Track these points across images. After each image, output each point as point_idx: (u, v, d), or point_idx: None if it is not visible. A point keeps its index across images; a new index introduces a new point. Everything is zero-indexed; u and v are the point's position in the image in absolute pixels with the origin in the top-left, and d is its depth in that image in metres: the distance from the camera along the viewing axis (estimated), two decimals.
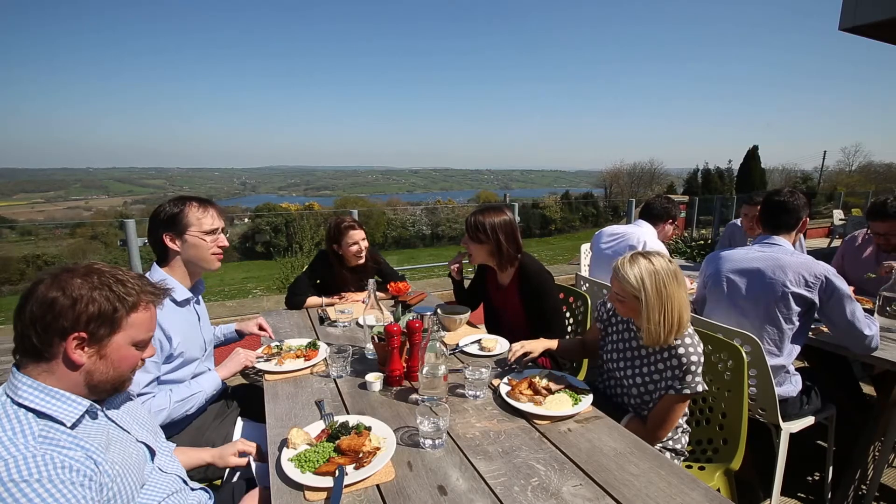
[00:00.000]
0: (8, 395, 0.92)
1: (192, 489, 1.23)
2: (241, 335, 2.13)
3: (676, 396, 1.51)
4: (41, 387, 0.93)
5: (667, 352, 1.53)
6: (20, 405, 0.91)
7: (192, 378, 1.67)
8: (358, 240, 2.55)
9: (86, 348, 0.96)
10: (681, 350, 1.50)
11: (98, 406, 1.03)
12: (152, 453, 1.13)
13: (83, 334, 0.94)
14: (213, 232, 1.67)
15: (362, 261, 2.61)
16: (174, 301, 1.62)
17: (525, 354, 1.76)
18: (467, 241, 2.17)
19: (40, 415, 0.91)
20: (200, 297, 1.80)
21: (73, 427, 0.94)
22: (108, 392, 1.04)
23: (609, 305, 1.79)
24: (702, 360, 1.50)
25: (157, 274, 1.63)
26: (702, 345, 1.54)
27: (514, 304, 2.23)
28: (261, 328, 2.14)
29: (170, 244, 1.61)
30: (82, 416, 0.97)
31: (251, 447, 1.44)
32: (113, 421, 1.08)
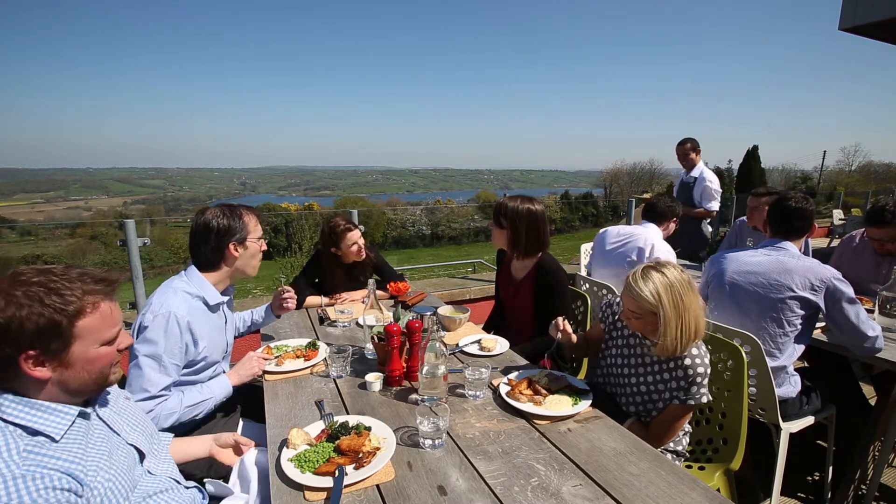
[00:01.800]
0: None
1: (186, 487, 1.23)
2: (271, 312, 2.14)
3: (681, 407, 1.50)
4: (24, 400, 0.91)
5: (673, 362, 1.51)
6: (7, 421, 0.89)
7: (210, 380, 1.68)
8: (356, 240, 2.58)
9: (46, 364, 0.92)
10: (687, 361, 1.48)
11: (88, 408, 1.02)
12: (141, 456, 1.12)
13: (32, 352, 0.90)
14: (261, 237, 1.76)
15: (363, 257, 2.64)
16: (206, 305, 1.65)
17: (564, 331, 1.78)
18: (491, 224, 2.24)
19: (27, 429, 0.90)
20: (231, 301, 1.82)
21: (58, 441, 0.92)
22: (92, 391, 1.01)
23: (615, 308, 1.77)
24: (708, 370, 1.48)
25: (195, 277, 1.65)
26: (709, 355, 1.52)
27: (524, 300, 2.23)
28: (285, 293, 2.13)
29: (233, 252, 1.67)
30: (72, 424, 0.95)
31: (248, 444, 1.42)
32: (104, 422, 1.07)
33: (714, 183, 4.06)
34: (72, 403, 0.99)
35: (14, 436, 0.88)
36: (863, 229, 2.75)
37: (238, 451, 1.42)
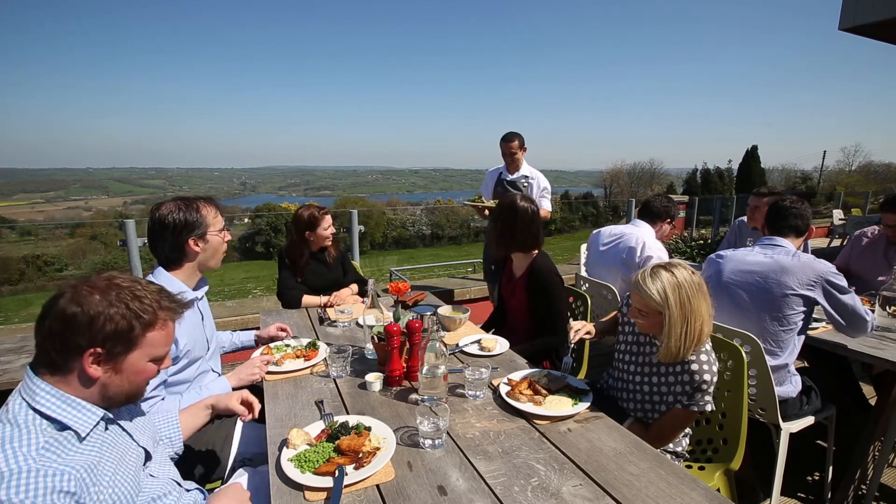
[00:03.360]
0: (25, 400, 0.92)
1: (188, 490, 1.23)
2: (258, 342, 2.10)
3: (683, 411, 1.49)
4: (59, 394, 0.94)
5: (680, 366, 1.50)
6: (37, 411, 0.91)
7: (197, 377, 1.67)
8: (330, 224, 2.74)
9: (101, 364, 0.96)
10: (694, 367, 1.46)
11: (111, 414, 1.03)
12: (147, 458, 1.13)
13: (99, 350, 0.95)
14: (223, 228, 1.71)
15: (328, 243, 2.78)
16: None
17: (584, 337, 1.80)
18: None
19: (54, 422, 0.92)
20: (205, 296, 1.80)
21: (82, 439, 0.95)
22: (121, 403, 1.04)
23: (629, 300, 1.76)
24: (715, 379, 1.46)
25: (162, 277, 1.61)
26: (717, 364, 1.50)
27: (519, 298, 2.24)
28: (281, 329, 2.11)
29: (194, 247, 1.61)
30: (95, 425, 0.97)
31: (254, 401, 1.43)
32: (119, 424, 1.08)
33: (547, 182, 3.74)
34: (101, 405, 1.01)
35: (39, 430, 0.90)
36: (873, 227, 2.81)
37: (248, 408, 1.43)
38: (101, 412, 0.99)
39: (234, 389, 1.67)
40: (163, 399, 1.49)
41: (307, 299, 2.61)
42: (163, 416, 1.36)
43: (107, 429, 1.03)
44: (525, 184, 3.66)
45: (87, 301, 0.93)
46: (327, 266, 2.82)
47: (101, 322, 0.93)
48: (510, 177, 3.67)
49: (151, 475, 1.13)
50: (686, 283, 1.44)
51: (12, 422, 0.89)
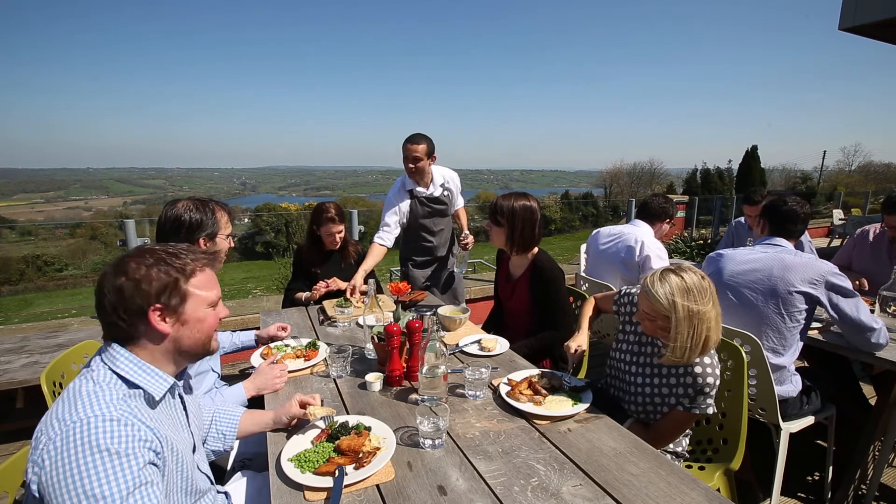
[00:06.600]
0: (105, 363, 1.00)
1: (218, 491, 1.24)
2: (258, 342, 2.10)
3: (685, 414, 1.49)
4: (136, 360, 1.01)
5: (682, 368, 1.48)
6: (115, 373, 0.99)
7: (196, 377, 1.67)
8: (334, 232, 2.76)
9: (167, 318, 1.03)
10: (697, 369, 1.45)
11: (178, 385, 1.11)
12: (194, 448, 1.15)
13: (159, 306, 1.01)
14: (231, 234, 1.74)
15: (335, 247, 2.84)
16: None
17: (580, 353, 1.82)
18: (488, 224, 2.23)
19: (131, 385, 0.99)
20: None
21: (155, 405, 1.03)
22: (199, 355, 1.12)
23: (634, 298, 1.73)
24: (717, 382, 1.45)
25: None
26: (720, 366, 1.49)
27: (521, 297, 2.23)
28: (281, 328, 2.11)
29: (202, 247, 1.62)
30: (166, 393, 1.05)
31: (313, 398, 1.40)
32: (181, 400, 1.14)
33: (458, 177, 3.12)
34: (174, 371, 1.08)
35: (115, 388, 0.96)
36: (876, 225, 2.81)
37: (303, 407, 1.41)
38: (171, 380, 1.06)
39: (248, 399, 1.65)
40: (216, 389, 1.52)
41: (299, 294, 2.73)
42: (224, 412, 1.40)
43: (171, 399, 1.10)
44: (446, 194, 3.03)
45: (126, 269, 1.00)
46: (340, 267, 2.84)
47: (147, 281, 1.00)
48: (426, 192, 2.94)
49: (198, 467, 1.14)
50: (695, 288, 1.41)
51: (94, 379, 0.96)
